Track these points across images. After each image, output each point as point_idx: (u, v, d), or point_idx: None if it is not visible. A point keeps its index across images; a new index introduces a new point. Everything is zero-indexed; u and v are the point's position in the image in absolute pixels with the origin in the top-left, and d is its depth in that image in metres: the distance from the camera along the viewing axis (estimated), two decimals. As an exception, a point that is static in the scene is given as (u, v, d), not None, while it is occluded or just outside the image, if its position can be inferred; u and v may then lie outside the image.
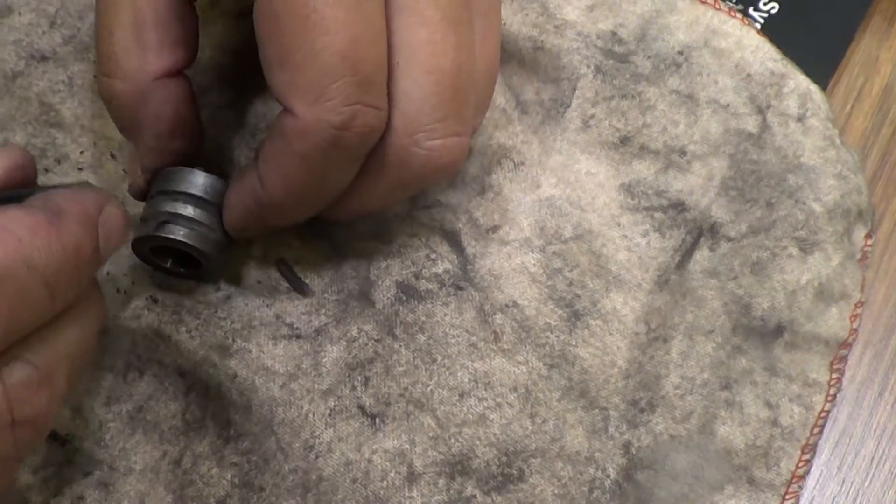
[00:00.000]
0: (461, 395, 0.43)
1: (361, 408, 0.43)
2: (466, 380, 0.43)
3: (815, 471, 0.46)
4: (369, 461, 0.42)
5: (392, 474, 0.42)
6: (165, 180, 0.41)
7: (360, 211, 0.42)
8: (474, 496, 0.42)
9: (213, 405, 0.42)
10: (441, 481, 0.42)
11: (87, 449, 0.41)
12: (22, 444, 0.33)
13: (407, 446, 0.42)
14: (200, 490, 0.41)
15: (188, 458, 0.41)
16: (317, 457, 0.42)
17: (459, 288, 0.45)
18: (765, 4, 0.54)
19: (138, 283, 0.43)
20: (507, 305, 0.45)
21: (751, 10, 0.53)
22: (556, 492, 0.43)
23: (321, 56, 0.35)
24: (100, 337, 0.42)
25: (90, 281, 0.36)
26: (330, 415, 0.42)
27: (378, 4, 0.36)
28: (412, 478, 0.42)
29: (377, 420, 0.42)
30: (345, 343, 0.43)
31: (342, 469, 0.42)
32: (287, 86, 0.36)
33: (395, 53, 0.37)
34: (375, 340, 0.43)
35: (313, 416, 0.42)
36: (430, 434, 0.42)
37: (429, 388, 0.43)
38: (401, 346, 0.43)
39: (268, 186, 0.39)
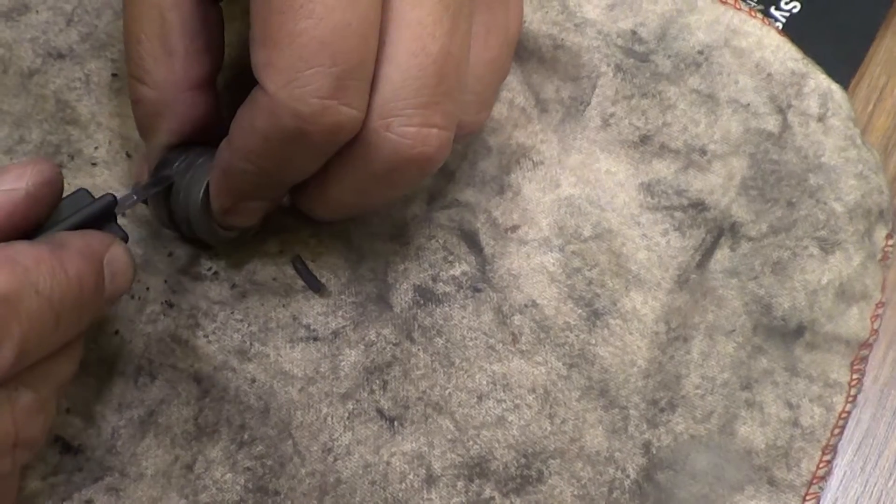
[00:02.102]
0: (479, 398, 0.43)
1: (380, 411, 0.43)
2: (485, 382, 0.43)
3: (838, 471, 0.46)
4: (388, 463, 0.42)
5: (410, 476, 0.42)
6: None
7: (337, 206, 0.41)
8: (493, 498, 0.42)
9: (229, 409, 0.42)
10: (459, 483, 0.42)
11: (99, 457, 0.41)
12: (17, 464, 0.35)
13: (425, 449, 0.42)
14: (214, 496, 0.41)
15: (201, 462, 0.41)
16: (335, 459, 0.42)
17: (477, 290, 0.45)
18: (786, 3, 0.53)
19: (153, 288, 0.43)
20: (525, 305, 0.45)
21: (772, 10, 0.53)
22: (575, 493, 0.43)
23: (300, 38, 0.34)
24: (112, 341, 0.42)
25: (90, 322, 0.36)
26: (348, 418, 0.42)
27: None
28: (431, 480, 0.42)
29: (395, 423, 0.43)
30: (363, 347, 0.44)
31: (360, 471, 0.42)
32: (264, 64, 0.35)
33: (384, 33, 0.36)
34: (394, 345, 0.44)
35: (332, 419, 0.42)
36: (449, 437, 0.42)
37: (447, 392, 0.43)
38: (419, 349, 0.44)
39: (233, 150, 0.38)
